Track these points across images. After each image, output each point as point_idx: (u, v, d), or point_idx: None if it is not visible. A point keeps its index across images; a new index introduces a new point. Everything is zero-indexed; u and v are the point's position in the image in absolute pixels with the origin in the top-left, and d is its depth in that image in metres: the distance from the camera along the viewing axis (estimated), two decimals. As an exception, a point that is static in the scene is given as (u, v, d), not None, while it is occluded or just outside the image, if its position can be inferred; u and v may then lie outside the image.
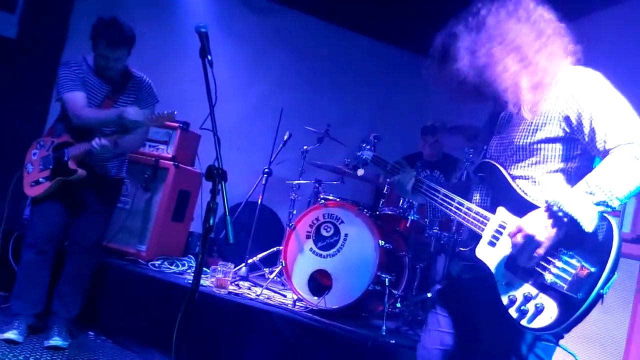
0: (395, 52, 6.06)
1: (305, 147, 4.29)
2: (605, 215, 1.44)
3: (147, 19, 5.23)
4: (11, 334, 2.84)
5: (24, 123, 3.15)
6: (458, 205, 1.74)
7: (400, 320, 3.41)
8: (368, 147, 2.35)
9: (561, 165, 1.60)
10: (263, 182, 4.16)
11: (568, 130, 1.56)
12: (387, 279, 3.22)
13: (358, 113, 5.92)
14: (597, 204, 1.42)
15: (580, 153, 1.59)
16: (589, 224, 1.41)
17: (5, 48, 4.44)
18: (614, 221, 1.43)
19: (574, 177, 1.57)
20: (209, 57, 2.11)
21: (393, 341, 2.86)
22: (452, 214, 1.76)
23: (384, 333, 2.95)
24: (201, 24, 2.22)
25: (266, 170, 4.17)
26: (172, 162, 3.86)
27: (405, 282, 3.52)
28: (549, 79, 1.58)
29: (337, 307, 3.21)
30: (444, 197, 1.79)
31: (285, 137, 4.27)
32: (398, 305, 3.45)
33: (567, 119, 1.55)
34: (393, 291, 3.34)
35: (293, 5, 5.65)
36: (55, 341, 2.92)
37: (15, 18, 4.54)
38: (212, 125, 2.01)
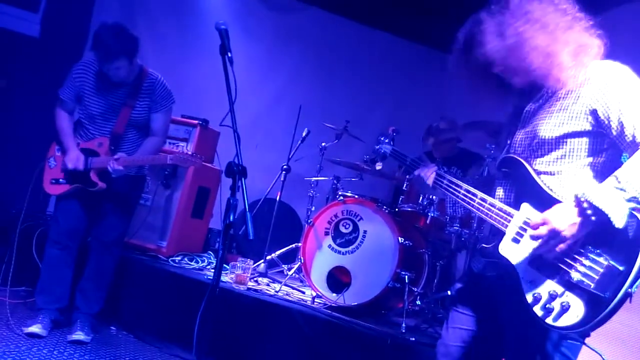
0: (414, 48, 6.01)
1: (323, 144, 4.28)
2: (634, 212, 1.40)
3: (166, 18, 5.30)
4: (35, 328, 2.90)
5: (46, 120, 3.18)
6: (481, 201, 1.71)
7: (420, 318, 3.39)
8: (387, 140, 2.32)
9: (588, 160, 1.56)
10: (281, 179, 4.17)
11: (595, 124, 1.53)
12: (406, 276, 3.20)
13: (376, 109, 5.89)
14: (629, 200, 1.38)
15: (607, 148, 1.55)
16: (619, 220, 1.37)
17: (28, 47, 4.52)
18: None
19: (600, 172, 1.54)
20: (229, 54, 2.12)
21: (413, 339, 2.85)
22: (474, 210, 1.72)
23: (403, 330, 2.94)
24: (221, 21, 2.23)
25: (284, 167, 4.17)
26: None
27: (425, 280, 3.49)
28: (580, 50, 1.54)
29: (356, 304, 3.20)
30: (465, 193, 1.77)
31: (304, 134, 4.26)
32: (418, 302, 3.43)
33: (594, 112, 1.52)
34: (413, 288, 3.32)
35: (310, 1, 5.64)
36: (78, 335, 2.96)
37: (38, 17, 4.63)
38: (232, 122, 2.01)
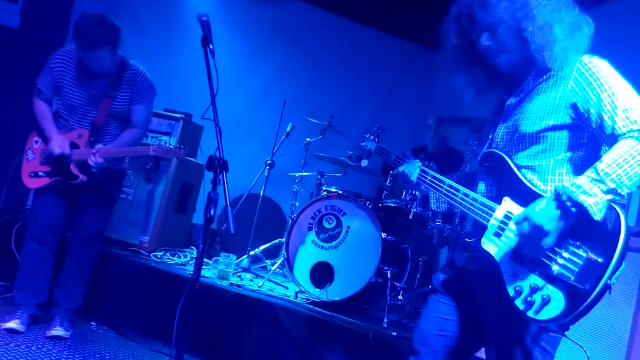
0: (400, 44, 6.03)
1: (308, 139, 4.27)
2: (612, 204, 1.42)
3: (149, 9, 5.23)
4: (13, 324, 2.85)
5: (25, 112, 3.11)
6: (463, 196, 1.72)
7: (402, 313, 3.41)
8: (372, 137, 2.33)
9: (568, 154, 1.58)
10: (265, 174, 4.15)
11: (575, 117, 1.54)
12: (389, 272, 3.21)
13: (361, 105, 5.90)
14: (607, 192, 1.39)
15: (587, 142, 1.57)
16: (598, 213, 1.39)
17: (8, 38, 4.43)
18: (621, 210, 1.41)
19: (580, 166, 1.55)
20: (211, 46, 2.09)
21: (394, 333, 2.86)
22: (457, 205, 1.74)
23: (385, 325, 2.95)
24: (203, 12, 2.20)
25: (268, 162, 4.16)
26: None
27: (408, 275, 3.51)
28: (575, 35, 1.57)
29: (338, 299, 3.20)
30: (448, 188, 1.77)
31: (288, 129, 4.25)
32: (400, 297, 3.44)
33: (574, 106, 1.53)
34: (395, 283, 3.33)
35: (296, -5, 5.62)
36: (57, 331, 2.92)
37: (18, 8, 4.54)
38: (213, 115, 1.99)
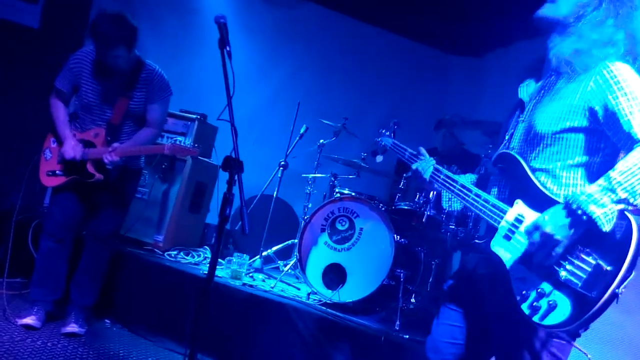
0: (414, 47, 6.02)
1: (321, 141, 4.28)
2: (626, 213, 1.39)
3: (166, 11, 5.29)
4: (30, 320, 2.90)
5: (45, 112, 3.16)
6: (475, 197, 1.70)
7: (414, 316, 3.39)
8: (387, 133, 2.31)
9: (584, 158, 1.55)
10: (279, 175, 4.17)
11: (592, 120, 1.52)
12: (402, 274, 3.20)
13: (375, 107, 5.89)
14: (617, 201, 1.37)
15: (604, 147, 1.54)
16: (607, 224, 1.37)
17: (28, 38, 4.51)
18: (634, 220, 1.38)
19: (596, 172, 1.53)
20: (228, 48, 2.11)
21: (406, 336, 2.86)
22: (469, 205, 1.72)
23: (397, 328, 2.94)
24: (220, 14, 2.23)
25: (282, 163, 4.17)
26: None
27: (420, 278, 3.50)
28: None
29: (350, 301, 3.20)
30: (461, 188, 1.76)
31: (302, 131, 4.27)
32: (412, 300, 3.44)
33: (591, 109, 1.52)
34: (408, 286, 3.33)
35: (310, -2, 5.64)
36: (72, 328, 2.96)
37: (38, 8, 4.61)
38: (229, 116, 2.01)
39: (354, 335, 2.82)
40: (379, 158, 2.37)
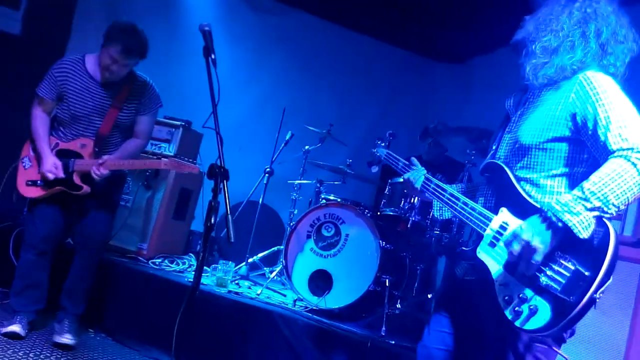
0: (399, 53, 6.08)
1: (307, 147, 4.29)
2: (604, 220, 1.43)
3: (149, 17, 5.25)
4: (15, 327, 2.82)
5: (25, 118, 3.11)
6: (463, 205, 1.74)
7: (400, 321, 3.40)
8: (383, 144, 2.37)
9: (566, 169, 1.59)
10: (264, 182, 4.17)
11: (574, 130, 1.56)
12: (387, 280, 3.22)
13: (360, 114, 5.94)
14: (592, 209, 1.41)
15: (587, 157, 1.58)
16: (583, 231, 1.41)
17: (9, 44, 4.46)
18: (611, 226, 1.42)
19: (579, 181, 1.54)
20: (213, 56, 2.12)
21: (393, 342, 2.87)
22: (456, 213, 1.76)
23: (383, 333, 2.95)
24: (205, 22, 2.23)
25: (268, 169, 4.17)
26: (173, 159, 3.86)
27: (406, 283, 3.52)
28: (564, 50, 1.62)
29: (337, 307, 3.21)
30: (450, 197, 1.80)
31: (287, 137, 4.27)
32: (398, 306, 3.45)
33: (573, 117, 1.55)
34: (393, 292, 3.34)
35: (295, 4, 5.66)
36: (67, 339, 2.87)
37: (19, 14, 4.56)
38: (214, 123, 2.02)
39: (341, 342, 2.82)
40: (375, 169, 2.42)
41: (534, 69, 1.65)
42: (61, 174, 2.83)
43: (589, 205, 1.41)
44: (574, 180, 1.58)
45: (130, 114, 2.99)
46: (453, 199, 1.78)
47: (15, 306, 2.95)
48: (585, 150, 1.57)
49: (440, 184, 1.87)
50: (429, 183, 1.92)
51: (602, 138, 1.49)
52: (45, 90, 2.92)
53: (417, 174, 1.98)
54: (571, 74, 1.61)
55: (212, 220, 1.80)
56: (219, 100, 2.06)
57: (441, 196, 1.83)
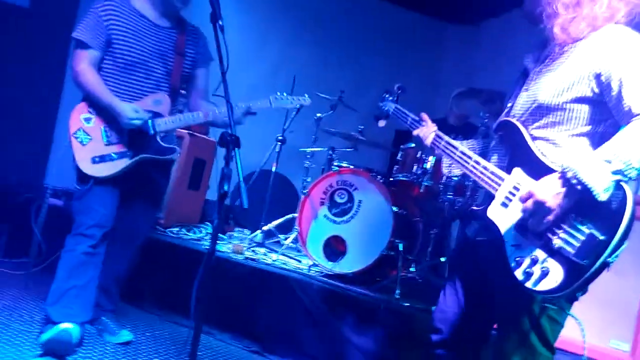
0: (410, 15, 5.96)
1: (318, 115, 4.28)
2: (622, 184, 1.41)
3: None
4: (68, 324, 2.33)
5: (39, 91, 3.09)
6: (474, 164, 1.72)
7: (413, 285, 3.46)
8: (391, 98, 2.27)
9: (586, 128, 1.55)
10: (277, 150, 4.18)
11: (597, 91, 1.51)
12: (400, 245, 3.25)
13: (371, 79, 5.86)
14: (614, 172, 1.39)
15: (607, 118, 1.54)
16: (603, 194, 1.38)
17: (20, 17, 4.45)
18: (629, 190, 1.40)
19: (598, 142, 1.53)
20: (220, 22, 2.09)
21: (407, 304, 2.92)
22: (467, 172, 1.74)
23: (397, 296, 3.00)
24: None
25: (279, 138, 4.18)
26: (186, 131, 3.89)
27: (419, 248, 3.55)
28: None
29: (351, 272, 3.26)
30: (461, 155, 1.77)
31: (298, 105, 4.24)
32: (412, 269, 3.49)
33: (597, 77, 1.50)
34: (407, 256, 3.38)
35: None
36: (127, 336, 2.66)
37: (27, -14, 4.54)
38: (224, 92, 2.01)
39: (355, 305, 2.88)
40: (382, 123, 2.31)
41: (562, 27, 1.58)
42: (148, 126, 2.37)
43: (611, 168, 1.38)
44: (593, 140, 1.55)
45: (191, 64, 2.59)
46: (465, 157, 1.75)
47: (55, 317, 2.34)
48: (606, 111, 1.53)
49: (452, 141, 1.84)
50: (439, 140, 1.89)
51: (627, 100, 1.44)
52: (90, 35, 2.35)
53: (427, 131, 1.95)
54: (602, 23, 1.55)
55: (225, 188, 1.81)
56: (227, 67, 2.05)
57: (452, 154, 1.81)
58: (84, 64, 2.37)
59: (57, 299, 2.37)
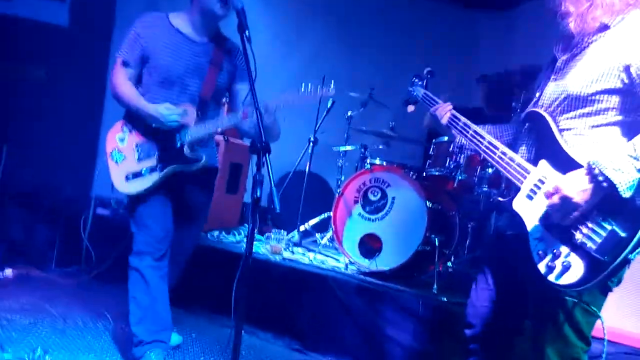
0: (438, 6, 5.88)
1: (349, 113, 4.31)
2: None
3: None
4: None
5: (82, 105, 3.23)
6: (501, 155, 1.70)
7: (452, 279, 3.45)
8: (420, 83, 2.24)
9: (617, 118, 1.53)
10: (309, 151, 4.24)
11: (627, 82, 1.48)
12: (436, 239, 3.25)
13: (402, 73, 5.81)
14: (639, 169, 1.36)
15: (638, 107, 1.51)
16: (627, 191, 1.37)
17: (60, 36, 4.68)
18: None
19: (627, 133, 1.50)
20: (247, 33, 2.16)
21: (444, 299, 2.92)
22: (494, 163, 1.72)
23: (435, 291, 3.01)
24: (237, 0, 2.27)
25: (312, 139, 4.24)
26: (222, 137, 4.00)
27: (457, 242, 3.54)
28: None
29: (388, 268, 3.28)
30: (488, 145, 1.75)
31: (329, 105, 4.30)
32: (449, 264, 3.48)
33: (627, 69, 1.47)
34: (444, 251, 3.37)
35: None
36: (176, 339, 2.76)
37: (66, 6, 4.76)
38: (253, 100, 2.08)
39: (393, 301, 2.91)
40: (411, 108, 2.28)
41: (580, 17, 1.56)
42: (178, 118, 2.37)
43: (638, 165, 1.36)
44: (624, 129, 1.53)
45: (227, 77, 2.58)
46: (492, 148, 1.73)
47: (143, 335, 2.43)
48: (637, 101, 1.50)
49: (475, 127, 1.82)
50: (456, 120, 1.88)
51: None
52: (128, 52, 2.45)
53: (443, 109, 1.94)
54: (625, 8, 1.51)
55: (258, 193, 1.88)
56: (256, 76, 2.12)
57: (479, 144, 1.78)
58: (121, 79, 2.46)
59: (139, 319, 2.44)
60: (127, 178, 2.45)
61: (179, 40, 2.46)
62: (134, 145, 2.47)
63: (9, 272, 3.39)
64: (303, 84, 2.56)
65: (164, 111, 2.36)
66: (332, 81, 2.66)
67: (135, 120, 2.46)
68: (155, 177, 2.42)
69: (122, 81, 2.45)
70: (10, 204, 3.93)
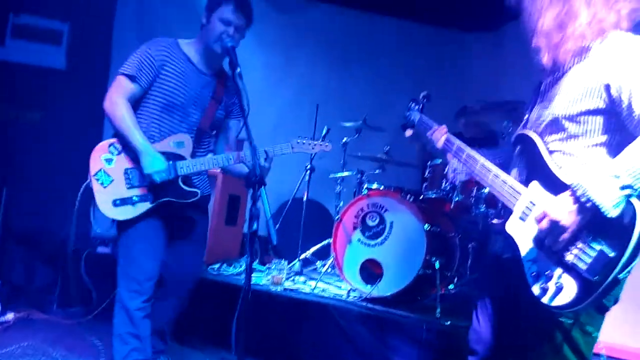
0: (427, 30, 5.98)
1: (345, 139, 4.35)
2: (631, 199, 1.38)
3: (183, 30, 5.45)
4: None
5: (79, 147, 3.27)
6: (494, 177, 1.72)
7: (455, 301, 3.43)
8: (417, 107, 2.26)
9: (603, 138, 1.53)
10: (306, 179, 4.26)
11: (608, 102, 1.50)
12: (437, 262, 3.24)
13: (395, 98, 5.88)
14: (623, 187, 1.37)
15: (623, 127, 1.51)
16: (612, 210, 1.37)
17: (57, 79, 4.76)
18: (638, 206, 1.38)
19: (614, 150, 1.51)
20: (238, 70, 2.22)
21: (448, 322, 2.90)
22: (487, 185, 1.74)
23: (438, 315, 2.99)
24: (227, 39, 2.34)
25: (308, 167, 4.27)
26: (219, 169, 4.03)
27: (458, 263, 3.54)
28: (577, 23, 1.55)
29: (389, 294, 3.27)
30: (481, 168, 1.76)
31: (324, 132, 4.34)
32: (451, 286, 3.47)
33: (607, 88, 1.48)
34: (445, 273, 3.36)
35: (319, -1, 5.70)
36: None
37: (63, 50, 4.86)
38: (247, 134, 2.11)
39: (396, 327, 2.89)
40: (408, 132, 2.28)
41: (553, 51, 1.60)
42: (170, 174, 2.34)
43: (619, 183, 1.37)
44: (610, 149, 1.53)
45: (225, 112, 2.61)
46: (484, 171, 1.75)
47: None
48: (621, 120, 1.50)
49: (468, 149, 1.83)
50: (451, 144, 1.90)
51: (638, 111, 1.43)
52: (139, 72, 2.36)
53: (439, 133, 1.96)
54: (596, 37, 1.55)
55: (255, 226, 1.90)
56: (248, 111, 2.16)
57: (473, 165, 1.79)
58: (121, 97, 2.35)
59: (123, 357, 2.38)
60: (114, 203, 2.33)
61: (188, 68, 2.45)
62: (124, 169, 2.36)
63: (10, 316, 3.38)
64: (299, 138, 2.65)
65: (153, 165, 2.29)
66: (329, 141, 2.75)
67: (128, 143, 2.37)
68: (146, 206, 2.35)
69: (121, 100, 2.35)
70: (12, 247, 3.94)
